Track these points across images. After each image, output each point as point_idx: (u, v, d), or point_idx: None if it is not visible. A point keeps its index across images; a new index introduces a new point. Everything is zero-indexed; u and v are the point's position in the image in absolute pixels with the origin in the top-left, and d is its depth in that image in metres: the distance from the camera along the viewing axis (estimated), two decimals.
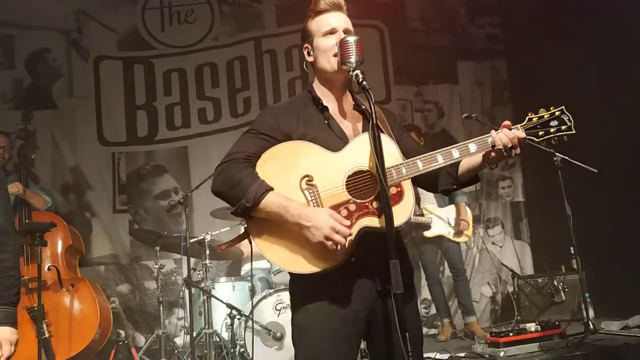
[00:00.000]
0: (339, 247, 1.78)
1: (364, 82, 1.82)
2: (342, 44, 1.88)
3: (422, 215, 5.01)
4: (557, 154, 4.17)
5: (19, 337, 2.18)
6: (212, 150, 5.78)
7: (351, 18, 2.03)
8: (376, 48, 6.26)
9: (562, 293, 5.18)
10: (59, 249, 3.76)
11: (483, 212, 6.26)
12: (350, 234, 1.80)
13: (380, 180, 1.73)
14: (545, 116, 1.97)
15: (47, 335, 2.84)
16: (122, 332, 4.00)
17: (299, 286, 1.94)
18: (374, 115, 1.77)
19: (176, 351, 4.31)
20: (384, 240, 1.72)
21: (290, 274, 1.94)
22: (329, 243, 1.77)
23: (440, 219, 5.02)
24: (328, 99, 2.02)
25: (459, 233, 4.98)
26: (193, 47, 5.98)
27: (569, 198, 4.12)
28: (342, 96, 2.04)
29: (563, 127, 1.96)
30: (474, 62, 6.60)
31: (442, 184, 2.04)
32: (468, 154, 1.91)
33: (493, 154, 1.91)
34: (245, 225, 1.93)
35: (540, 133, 1.96)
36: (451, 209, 5.06)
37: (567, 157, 4.17)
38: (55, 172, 5.53)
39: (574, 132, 1.96)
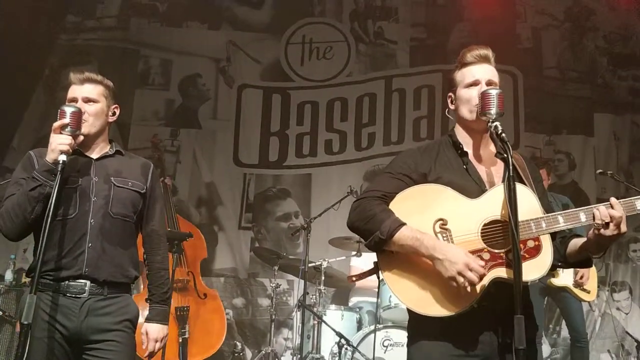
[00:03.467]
0: (469, 287, 1.76)
1: (503, 135, 1.85)
2: (484, 95, 1.92)
3: None
4: None
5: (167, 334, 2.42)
6: (334, 179, 6.02)
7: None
8: (508, 93, 6.18)
9: None
10: (199, 258, 4.07)
11: (610, 274, 5.86)
12: (484, 274, 1.78)
13: (512, 230, 1.72)
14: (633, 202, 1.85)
15: (187, 336, 3.09)
16: (238, 344, 4.23)
17: (420, 324, 1.93)
18: (510, 167, 1.79)
19: None
20: (510, 292, 1.70)
21: (411, 312, 1.95)
22: (461, 280, 1.76)
23: (568, 270, 4.60)
24: (468, 145, 2.06)
25: (578, 285, 4.63)
26: (328, 81, 6.28)
27: None
28: (482, 143, 2.06)
29: None
30: (613, 115, 6.29)
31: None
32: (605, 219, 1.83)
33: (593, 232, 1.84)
34: (376, 260, 1.97)
35: None
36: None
37: None
38: (192, 185, 6.00)
39: None
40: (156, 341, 2.38)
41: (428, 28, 6.42)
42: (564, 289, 4.66)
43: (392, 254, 1.91)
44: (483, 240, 1.86)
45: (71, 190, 2.26)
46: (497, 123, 1.88)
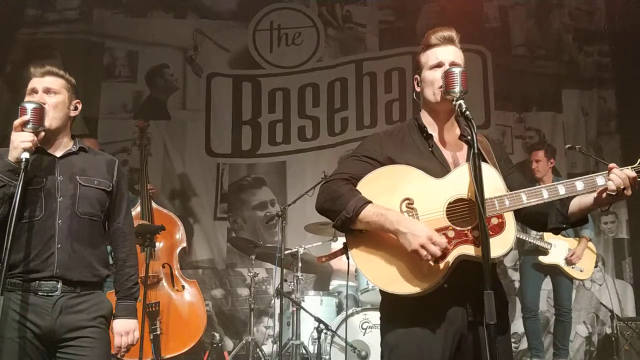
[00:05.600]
0: (432, 260, 1.80)
1: (467, 112, 1.87)
2: (447, 74, 1.94)
3: (542, 239, 4.78)
4: None
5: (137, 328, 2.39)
6: (308, 166, 6.01)
7: None
8: (477, 73, 6.22)
9: None
10: (175, 248, 4.02)
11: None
12: (448, 248, 1.82)
13: (479, 209, 1.74)
14: None
15: (158, 332, 3.06)
16: (216, 334, 4.21)
17: (391, 307, 1.99)
18: (475, 145, 1.80)
19: (263, 359, 4.47)
20: (478, 270, 1.73)
21: (382, 294, 1.99)
22: (424, 253, 1.79)
23: (561, 249, 4.78)
24: (433, 128, 2.08)
25: (569, 263, 4.73)
26: (298, 68, 6.23)
27: None
28: (448, 125, 2.08)
29: None
30: (580, 90, 6.37)
31: (552, 222, 2.02)
32: (575, 192, 1.91)
33: (604, 195, 1.88)
34: (345, 240, 1.99)
35: None
36: (573, 242, 4.82)
37: None
38: (164, 178, 5.93)
39: None
40: (121, 335, 2.36)
41: (396, 10, 6.40)
42: (556, 267, 4.75)
43: (361, 234, 1.93)
44: (448, 218, 1.89)
45: (36, 191, 2.22)
46: (461, 101, 1.90)
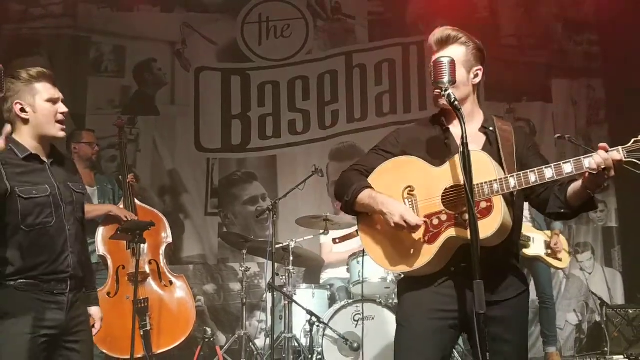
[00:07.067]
0: (414, 233, 2.01)
1: (456, 102, 1.95)
2: (435, 64, 1.99)
3: (522, 233, 4.87)
4: None
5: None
6: (299, 159, 5.99)
7: None
8: None
9: None
10: (161, 245, 4.01)
11: (573, 236, 6.01)
12: (418, 224, 2.00)
13: (467, 194, 1.85)
14: None
15: (149, 328, 3.08)
16: (208, 329, 4.22)
17: (403, 286, 2.20)
18: (464, 135, 1.88)
19: (256, 352, 4.48)
20: (486, 254, 1.87)
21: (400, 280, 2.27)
22: (401, 229, 2.00)
23: (539, 241, 4.90)
24: (451, 121, 2.16)
25: (554, 254, 4.84)
26: (287, 60, 6.19)
27: None
28: (471, 117, 2.14)
29: None
30: (570, 80, 6.38)
31: (550, 207, 2.08)
32: (563, 175, 1.93)
33: (587, 175, 1.92)
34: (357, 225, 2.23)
35: None
36: (548, 235, 4.93)
37: None
38: (154, 174, 5.90)
39: None
40: (100, 319, 2.61)
41: (385, 1, 6.35)
42: (536, 259, 4.83)
43: (367, 217, 2.16)
44: (443, 203, 2.04)
45: (44, 198, 2.32)
46: (449, 91, 1.94)
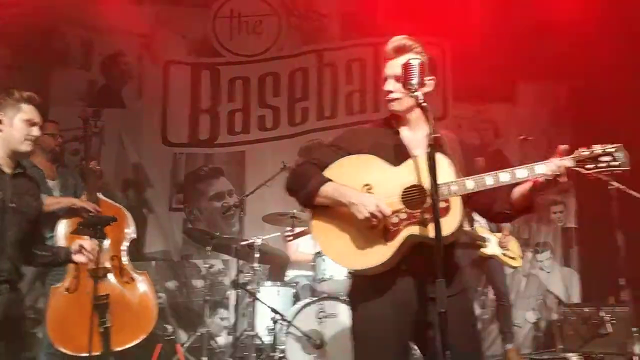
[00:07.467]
0: (380, 226, 2.01)
1: (425, 104, 2.01)
2: (405, 66, 2.04)
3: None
4: (612, 182, 4.10)
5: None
6: (268, 156, 5.98)
7: (413, 35, 2.23)
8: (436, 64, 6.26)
9: (608, 325, 5.04)
10: (122, 241, 3.96)
11: (533, 235, 6.16)
12: (389, 214, 2.01)
13: (433, 196, 1.89)
14: (598, 151, 2.00)
15: (108, 325, 3.05)
16: (169, 327, 4.19)
17: (356, 287, 2.23)
18: (432, 135, 1.93)
19: (217, 350, 4.47)
20: (429, 252, 1.89)
21: (351, 275, 2.28)
22: (374, 219, 2.00)
23: (494, 241, 5.01)
24: (401, 125, 2.23)
25: (502, 247, 4.96)
26: (259, 56, 6.18)
27: (623, 228, 4.05)
28: (413, 123, 2.22)
29: (615, 163, 1.99)
30: (535, 82, 6.51)
31: (497, 207, 2.18)
32: (516, 179, 2.02)
33: (540, 180, 2.02)
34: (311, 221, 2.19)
35: (589, 166, 2.01)
36: (499, 236, 5.04)
37: (623, 187, 4.09)
38: (118, 168, 5.83)
39: (628, 168, 1.99)
40: None
41: (359, 1, 6.36)
42: (491, 257, 4.94)
43: (323, 212, 2.14)
44: (402, 202, 2.08)
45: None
46: (418, 93, 2.01)
